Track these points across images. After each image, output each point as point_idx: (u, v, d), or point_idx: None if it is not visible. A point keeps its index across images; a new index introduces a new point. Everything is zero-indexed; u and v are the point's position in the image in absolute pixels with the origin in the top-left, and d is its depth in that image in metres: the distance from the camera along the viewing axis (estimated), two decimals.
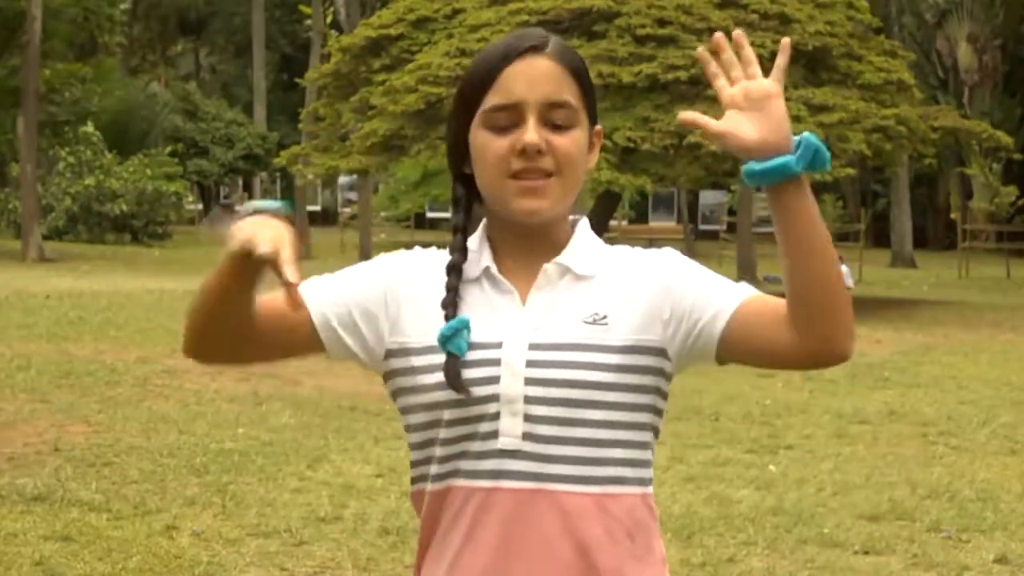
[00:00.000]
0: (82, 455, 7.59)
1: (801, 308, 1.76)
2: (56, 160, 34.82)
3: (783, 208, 1.75)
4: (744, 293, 1.84)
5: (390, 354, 1.87)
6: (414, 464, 1.90)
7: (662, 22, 19.77)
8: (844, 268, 17.69)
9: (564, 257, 1.87)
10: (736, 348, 1.83)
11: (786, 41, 1.79)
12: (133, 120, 41.38)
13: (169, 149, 39.73)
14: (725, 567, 5.70)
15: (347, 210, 44.81)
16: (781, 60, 1.78)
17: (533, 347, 1.81)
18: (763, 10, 20.35)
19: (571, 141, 1.83)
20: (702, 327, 1.83)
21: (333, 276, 1.90)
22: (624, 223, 40.04)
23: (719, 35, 1.76)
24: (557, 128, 1.82)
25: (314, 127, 25.42)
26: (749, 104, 1.77)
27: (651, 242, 39.20)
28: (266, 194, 49.52)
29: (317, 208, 48.50)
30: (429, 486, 1.86)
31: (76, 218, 34.13)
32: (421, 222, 44.37)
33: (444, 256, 1.90)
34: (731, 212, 39.29)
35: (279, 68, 56.22)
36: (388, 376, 1.89)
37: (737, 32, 1.78)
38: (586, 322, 1.83)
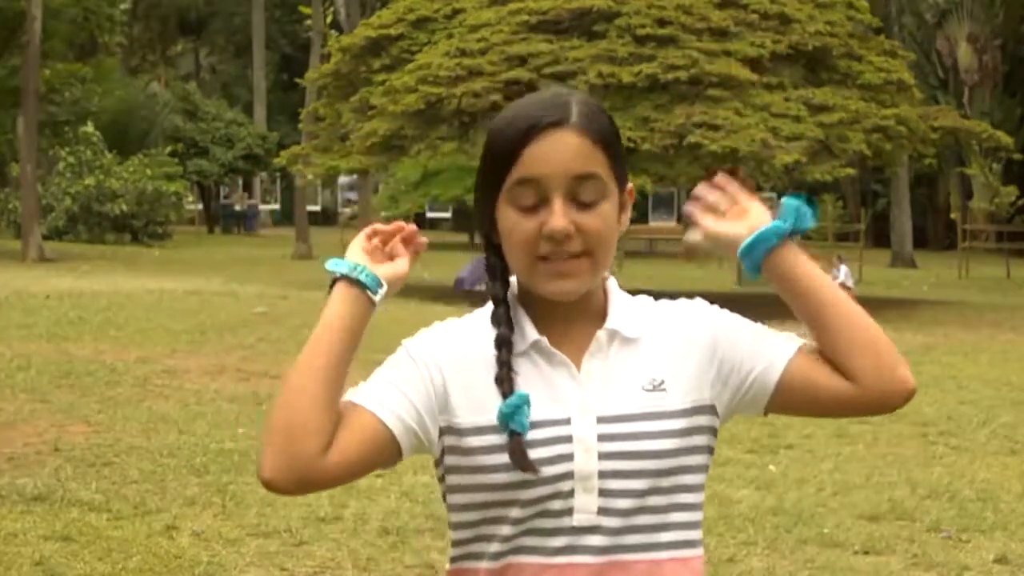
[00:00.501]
0: (82, 455, 7.59)
1: (842, 358, 1.78)
2: (56, 160, 34.83)
3: (785, 270, 1.79)
4: (795, 343, 1.83)
5: (442, 433, 1.80)
6: (462, 542, 1.85)
7: (662, 22, 19.76)
8: (844, 268, 17.84)
9: (612, 322, 1.83)
10: (792, 398, 1.83)
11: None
12: (133, 120, 41.39)
13: (169, 149, 39.73)
14: (725, 567, 5.70)
15: (347, 210, 44.83)
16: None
17: (602, 420, 1.77)
18: (763, 10, 20.34)
19: (600, 219, 1.77)
20: (755, 378, 1.82)
21: (378, 380, 1.80)
22: None
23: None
24: (585, 206, 1.76)
25: (314, 127, 25.42)
26: (732, 215, 1.84)
27: (651, 243, 39.26)
28: (266, 194, 49.48)
29: (317, 208, 48.49)
30: (486, 564, 1.81)
31: (76, 218, 34.15)
32: (421, 222, 44.30)
33: (473, 326, 1.85)
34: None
35: (279, 68, 56.26)
36: (441, 456, 1.82)
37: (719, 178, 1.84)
38: (646, 389, 1.80)
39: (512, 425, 1.74)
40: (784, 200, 1.82)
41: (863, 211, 39.88)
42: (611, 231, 1.79)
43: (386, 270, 1.78)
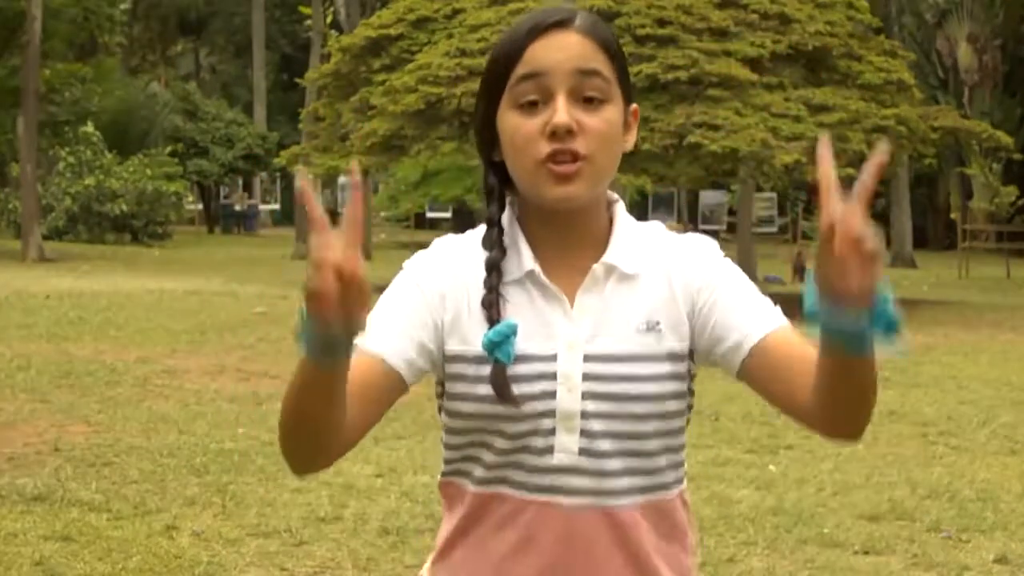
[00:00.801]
0: (82, 455, 7.59)
1: (830, 408, 1.66)
2: (56, 160, 34.82)
3: (852, 362, 1.57)
4: (771, 324, 1.76)
5: (447, 359, 1.78)
6: (451, 460, 1.84)
7: (662, 22, 19.76)
8: None
9: (610, 255, 1.79)
10: (753, 382, 1.78)
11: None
12: (133, 120, 41.39)
13: (169, 149, 39.73)
14: (725, 567, 5.70)
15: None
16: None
17: (589, 359, 1.74)
18: (763, 10, 20.33)
19: (604, 120, 1.75)
20: (726, 353, 1.77)
21: (380, 312, 1.74)
22: None
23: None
24: (589, 103, 1.73)
25: (314, 127, 25.41)
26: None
27: None
28: (266, 194, 49.47)
29: None
30: (472, 487, 1.80)
31: (76, 218, 34.13)
32: (421, 222, 44.35)
33: (471, 247, 1.81)
34: (731, 212, 39.29)
35: (279, 68, 56.24)
36: (445, 379, 1.80)
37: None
38: (640, 330, 1.76)
39: (497, 354, 1.72)
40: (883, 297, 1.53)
41: None
42: (615, 138, 1.77)
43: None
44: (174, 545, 5.81)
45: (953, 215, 40.44)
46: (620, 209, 1.85)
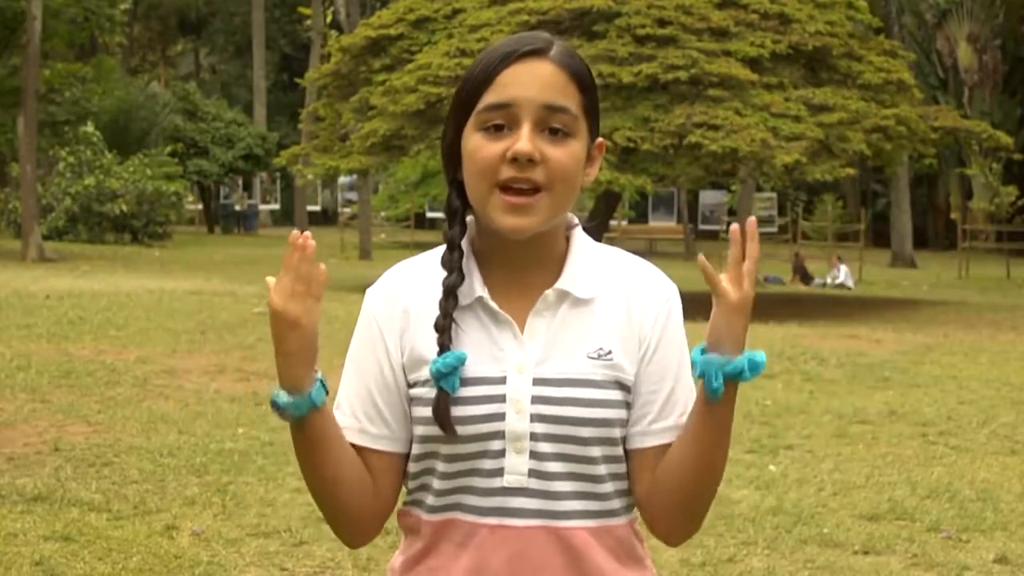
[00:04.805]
0: (82, 455, 7.59)
1: (675, 504, 1.81)
2: (56, 160, 34.82)
3: (723, 410, 1.76)
4: (666, 437, 1.81)
5: (411, 386, 1.82)
6: (410, 489, 1.87)
7: (662, 22, 19.76)
8: (844, 268, 17.83)
9: (563, 281, 1.79)
10: (627, 461, 1.84)
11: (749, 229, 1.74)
12: (133, 120, 41.36)
13: (169, 149, 39.72)
14: (725, 567, 5.70)
15: (347, 210, 44.81)
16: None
17: (538, 382, 1.75)
18: (763, 10, 20.34)
19: (567, 154, 1.74)
20: (634, 426, 1.82)
21: (351, 386, 1.86)
22: (624, 223, 40.03)
23: (734, 228, 1.73)
24: (554, 135, 1.73)
25: (314, 127, 25.44)
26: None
27: (651, 243, 39.26)
28: (266, 194, 49.50)
29: (317, 208, 48.53)
30: (424, 515, 1.83)
31: (76, 218, 34.13)
32: (421, 222, 44.37)
33: (429, 269, 1.83)
34: (731, 212, 39.32)
35: (279, 68, 56.27)
36: (411, 407, 1.84)
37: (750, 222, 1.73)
38: (590, 356, 1.78)
39: (442, 384, 1.74)
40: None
41: (863, 211, 39.90)
42: (576, 171, 1.77)
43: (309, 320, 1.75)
44: (174, 545, 5.81)
45: (953, 215, 40.47)
46: (578, 233, 1.86)
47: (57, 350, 12.07)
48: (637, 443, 1.81)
